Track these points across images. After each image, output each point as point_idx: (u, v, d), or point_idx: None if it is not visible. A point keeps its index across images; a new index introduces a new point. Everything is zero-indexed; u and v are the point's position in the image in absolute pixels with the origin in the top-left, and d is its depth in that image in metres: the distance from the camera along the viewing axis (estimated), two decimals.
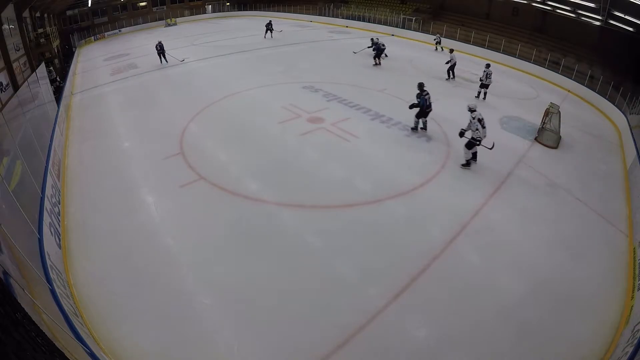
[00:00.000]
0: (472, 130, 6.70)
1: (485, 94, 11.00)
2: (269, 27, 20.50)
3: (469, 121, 6.75)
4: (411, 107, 8.04)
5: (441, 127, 8.71)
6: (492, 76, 10.68)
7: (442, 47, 18.10)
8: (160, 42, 14.99)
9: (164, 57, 15.02)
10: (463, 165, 6.94)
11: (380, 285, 4.31)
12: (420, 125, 8.39)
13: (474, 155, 6.91)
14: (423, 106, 7.95)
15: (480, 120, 6.64)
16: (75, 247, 4.91)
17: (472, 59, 16.81)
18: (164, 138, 7.99)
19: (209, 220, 5.41)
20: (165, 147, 7.49)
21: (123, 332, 3.71)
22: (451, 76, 13.07)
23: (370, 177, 6.58)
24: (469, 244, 5.04)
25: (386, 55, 15.33)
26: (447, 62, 12.90)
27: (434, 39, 18.44)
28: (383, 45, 14.62)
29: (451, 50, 13.21)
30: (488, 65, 10.75)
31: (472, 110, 6.79)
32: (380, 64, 14.59)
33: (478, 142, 6.67)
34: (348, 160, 7.13)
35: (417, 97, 7.95)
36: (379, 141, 7.99)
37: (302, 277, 4.45)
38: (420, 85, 7.95)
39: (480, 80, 10.79)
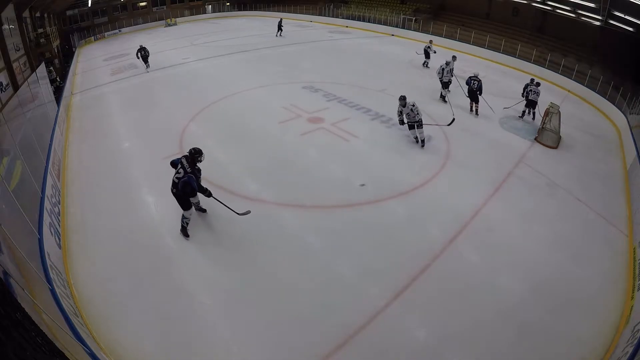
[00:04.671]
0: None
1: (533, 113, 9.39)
2: (280, 25, 21.10)
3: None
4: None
5: (441, 127, 8.70)
6: (494, 76, 10.52)
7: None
8: (142, 47, 14.09)
9: (144, 61, 14.09)
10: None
11: (380, 285, 4.31)
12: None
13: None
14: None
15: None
16: (75, 247, 4.91)
17: (472, 59, 16.81)
18: (164, 138, 7.99)
19: (209, 220, 5.40)
20: (165, 147, 7.47)
21: (123, 332, 3.70)
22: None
23: (370, 177, 6.58)
24: (469, 244, 5.04)
25: None
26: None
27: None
28: None
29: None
30: (538, 84, 9.23)
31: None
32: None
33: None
34: (348, 160, 7.13)
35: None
36: (379, 141, 7.99)
37: (302, 277, 4.45)
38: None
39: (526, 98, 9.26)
